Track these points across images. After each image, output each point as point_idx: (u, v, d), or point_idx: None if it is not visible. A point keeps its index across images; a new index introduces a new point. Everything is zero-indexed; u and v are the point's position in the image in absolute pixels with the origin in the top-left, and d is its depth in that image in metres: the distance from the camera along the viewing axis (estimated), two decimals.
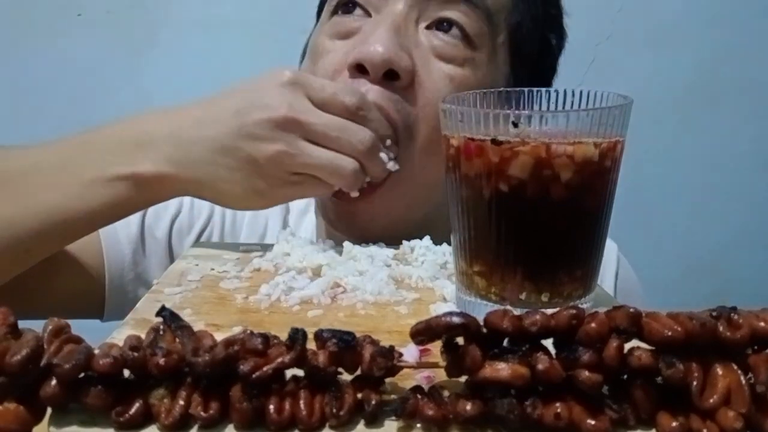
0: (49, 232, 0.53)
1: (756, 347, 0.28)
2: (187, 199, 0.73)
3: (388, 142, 0.55)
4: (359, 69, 0.56)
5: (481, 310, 0.38)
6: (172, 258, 0.70)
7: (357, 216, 0.59)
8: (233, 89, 0.54)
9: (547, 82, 0.70)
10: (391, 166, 0.55)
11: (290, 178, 0.52)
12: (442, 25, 0.58)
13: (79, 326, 0.30)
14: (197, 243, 0.67)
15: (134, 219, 0.68)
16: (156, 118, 0.54)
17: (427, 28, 0.58)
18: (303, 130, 0.51)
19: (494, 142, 0.37)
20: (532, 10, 0.63)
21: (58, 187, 0.52)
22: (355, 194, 0.55)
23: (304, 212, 0.77)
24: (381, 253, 0.52)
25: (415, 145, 0.57)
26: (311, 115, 0.51)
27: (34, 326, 0.28)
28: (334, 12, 0.61)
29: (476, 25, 0.59)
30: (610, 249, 0.78)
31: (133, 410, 0.27)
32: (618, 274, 0.77)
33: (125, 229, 0.68)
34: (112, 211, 0.54)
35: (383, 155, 0.54)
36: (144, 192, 0.53)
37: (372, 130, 0.53)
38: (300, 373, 0.29)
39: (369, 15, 0.59)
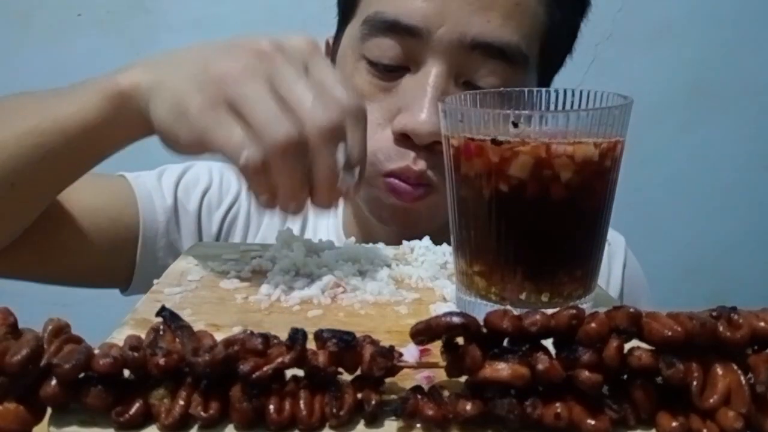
0: (30, 158, 0.50)
1: (756, 347, 0.28)
2: (216, 175, 0.75)
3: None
4: (405, 136, 0.59)
5: (481, 310, 0.38)
6: (200, 231, 0.73)
7: (410, 214, 0.62)
8: None
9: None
10: (347, 179, 0.44)
11: (220, 106, 0.42)
12: (479, 88, 0.59)
13: (79, 326, 0.30)
14: (197, 243, 0.67)
15: (168, 191, 0.71)
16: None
17: (465, 83, 0.60)
18: (272, 68, 0.43)
19: (494, 142, 0.37)
20: (563, 26, 0.64)
21: (37, 111, 0.51)
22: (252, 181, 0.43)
23: None
24: (381, 253, 0.52)
25: None
26: (292, 65, 0.44)
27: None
28: (372, 32, 0.60)
29: (513, 78, 0.60)
30: (618, 242, 0.81)
31: (133, 410, 0.27)
32: (626, 265, 0.80)
33: (160, 199, 0.70)
34: (87, 131, 0.49)
35: (341, 155, 0.43)
36: (117, 106, 0.48)
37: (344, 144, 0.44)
38: (300, 373, 0.29)
39: (408, 49, 0.59)
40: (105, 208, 0.67)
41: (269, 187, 0.43)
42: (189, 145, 0.45)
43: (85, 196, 0.64)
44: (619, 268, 0.79)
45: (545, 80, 0.69)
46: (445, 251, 0.52)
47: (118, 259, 0.69)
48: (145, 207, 0.69)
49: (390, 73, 0.61)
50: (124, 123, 0.49)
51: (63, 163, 0.52)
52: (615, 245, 0.80)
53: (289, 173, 0.42)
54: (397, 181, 0.61)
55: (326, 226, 0.76)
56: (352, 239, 0.56)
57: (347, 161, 0.43)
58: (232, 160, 0.42)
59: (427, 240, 0.54)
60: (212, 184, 0.74)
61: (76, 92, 0.50)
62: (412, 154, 0.60)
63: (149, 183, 0.71)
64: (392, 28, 0.59)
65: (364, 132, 0.45)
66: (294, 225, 0.74)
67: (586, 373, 0.27)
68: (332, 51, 0.69)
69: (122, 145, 0.52)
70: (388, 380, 0.30)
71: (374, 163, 0.61)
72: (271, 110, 0.41)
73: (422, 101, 0.58)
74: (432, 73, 0.59)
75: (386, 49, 0.60)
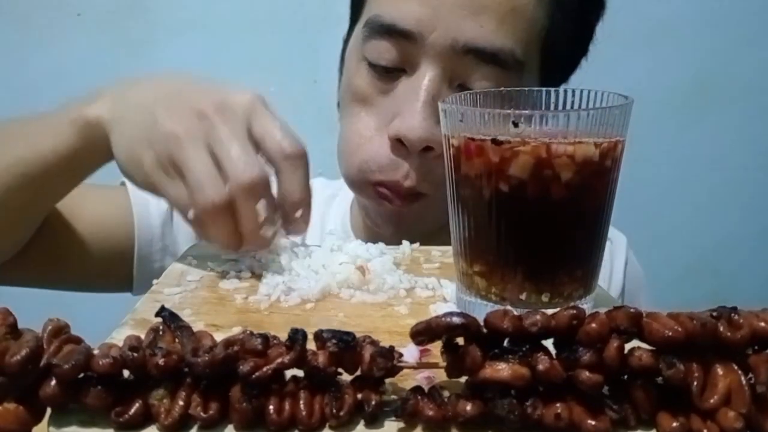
0: (18, 185, 0.56)
1: (756, 347, 0.28)
2: None
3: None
4: (399, 142, 0.60)
5: (481, 310, 0.38)
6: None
7: (402, 219, 0.64)
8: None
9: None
10: (267, 231, 0.48)
11: (167, 165, 0.47)
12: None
13: (78, 326, 0.30)
14: (196, 243, 0.67)
15: None
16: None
17: (459, 87, 0.60)
18: (210, 129, 0.47)
19: (494, 142, 0.37)
20: (568, 29, 0.64)
21: (21, 141, 0.57)
22: (193, 225, 0.49)
23: (332, 197, 0.81)
24: (382, 253, 0.51)
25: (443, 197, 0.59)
26: (230, 121, 0.47)
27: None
28: (371, 34, 0.62)
29: (507, 84, 0.60)
30: (620, 240, 0.83)
31: (132, 410, 0.27)
32: (627, 263, 0.81)
33: (156, 203, 0.73)
34: (62, 159, 0.55)
35: (261, 208, 0.47)
36: (86, 136, 0.54)
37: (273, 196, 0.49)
38: (300, 373, 0.29)
39: (404, 52, 0.60)
40: (102, 217, 0.70)
41: (210, 235, 0.48)
42: (144, 188, 0.52)
43: (84, 206, 0.68)
44: (621, 266, 0.80)
45: (552, 83, 0.68)
46: (446, 252, 0.52)
47: (118, 265, 0.72)
48: (140, 212, 0.72)
49: (388, 74, 0.62)
50: (92, 150, 0.54)
51: (46, 188, 0.58)
52: (617, 243, 0.81)
53: (220, 227, 0.47)
54: (386, 190, 0.62)
55: (334, 220, 0.78)
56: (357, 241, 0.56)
57: (285, 206, 0.49)
58: (179, 213, 0.49)
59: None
60: None
61: (53, 122, 0.56)
62: (405, 166, 0.61)
63: None
64: (389, 31, 0.60)
65: (304, 174, 0.49)
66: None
67: (587, 373, 0.27)
68: (343, 48, 0.70)
69: (94, 169, 0.58)
70: (388, 381, 0.30)
71: (365, 171, 0.62)
72: (203, 173, 0.46)
73: (415, 105, 0.59)
74: (426, 76, 0.59)
75: (384, 51, 0.61)
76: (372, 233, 0.68)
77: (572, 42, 0.67)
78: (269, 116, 0.49)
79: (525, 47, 0.60)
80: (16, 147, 0.56)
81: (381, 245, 0.54)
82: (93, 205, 0.70)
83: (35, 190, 0.57)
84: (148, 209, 0.72)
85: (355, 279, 0.45)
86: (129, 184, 0.72)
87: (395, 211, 0.63)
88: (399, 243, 0.55)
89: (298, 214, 0.49)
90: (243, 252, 0.50)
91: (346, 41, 0.70)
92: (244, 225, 0.47)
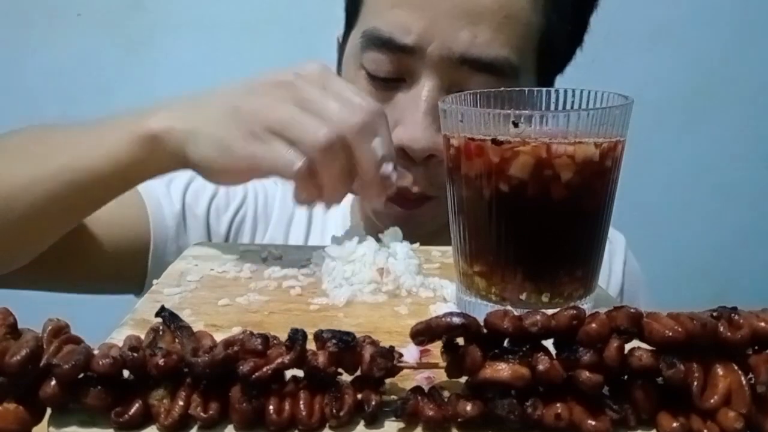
0: (62, 193, 0.54)
1: (756, 347, 0.28)
2: None
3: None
4: (402, 150, 0.60)
5: (481, 310, 0.38)
6: (209, 235, 0.76)
7: (411, 221, 0.64)
8: None
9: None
10: (387, 168, 0.49)
11: (261, 133, 0.48)
12: None
13: (78, 326, 0.30)
14: (196, 243, 0.67)
15: (176, 197, 0.74)
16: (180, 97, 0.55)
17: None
18: (297, 92, 0.48)
19: (494, 142, 0.37)
20: (563, 27, 0.65)
21: (68, 149, 0.55)
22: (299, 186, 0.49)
23: None
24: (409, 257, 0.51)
25: None
26: (312, 83, 0.49)
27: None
28: (368, 46, 0.62)
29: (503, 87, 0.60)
30: (619, 240, 0.83)
31: (132, 411, 0.27)
32: (626, 263, 0.82)
33: (169, 206, 0.73)
34: (117, 170, 0.53)
35: (378, 147, 0.48)
36: (150, 148, 0.52)
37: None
38: (300, 373, 0.29)
39: (402, 64, 0.61)
40: (117, 218, 0.70)
41: (316, 188, 0.48)
42: (237, 173, 0.51)
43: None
44: (619, 265, 0.81)
45: (549, 78, 0.69)
46: (446, 251, 0.52)
47: (132, 266, 0.72)
48: (154, 213, 0.72)
49: (387, 84, 0.62)
50: (154, 162, 0.53)
51: (92, 196, 0.57)
52: (615, 243, 0.81)
53: (333, 170, 0.47)
54: (395, 196, 0.62)
55: (334, 220, 0.78)
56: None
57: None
58: (283, 174, 0.47)
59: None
60: (219, 188, 0.77)
61: (104, 132, 0.54)
62: (410, 176, 0.62)
63: (158, 190, 0.73)
64: (387, 44, 0.60)
65: (387, 131, 0.50)
66: (301, 220, 0.78)
67: (587, 373, 0.27)
68: (339, 50, 0.71)
69: (143, 180, 0.58)
70: (388, 381, 0.30)
71: None
72: (306, 121, 0.46)
73: (416, 115, 0.60)
74: (425, 87, 0.60)
75: (382, 63, 0.61)
76: (372, 233, 0.68)
77: (568, 38, 0.68)
78: (342, 80, 0.51)
79: (520, 53, 0.61)
80: (63, 155, 0.55)
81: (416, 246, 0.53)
82: (108, 206, 0.70)
83: (80, 198, 0.56)
84: (161, 210, 0.73)
85: (373, 278, 0.45)
86: (142, 188, 0.72)
87: (403, 214, 0.64)
88: None
89: (388, 169, 0.49)
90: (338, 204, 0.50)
91: (342, 44, 0.70)
92: (364, 163, 0.47)
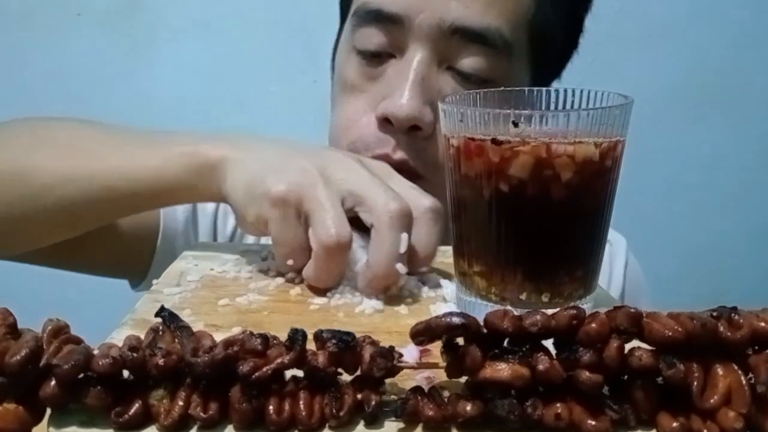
0: (97, 196, 0.53)
1: (756, 347, 0.28)
2: None
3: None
4: (387, 120, 0.60)
5: (481, 310, 0.38)
6: (215, 233, 0.77)
7: None
8: None
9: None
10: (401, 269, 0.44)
11: (291, 207, 0.45)
12: (462, 73, 0.60)
13: (78, 326, 0.30)
14: (196, 243, 0.67)
15: None
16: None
17: (448, 69, 0.61)
18: (346, 174, 0.47)
19: (494, 142, 0.37)
20: (557, 17, 0.64)
21: (112, 154, 0.54)
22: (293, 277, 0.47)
23: None
24: None
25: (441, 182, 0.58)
26: (371, 171, 0.48)
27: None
28: (359, 23, 0.62)
29: (496, 65, 0.60)
30: (620, 242, 0.83)
31: (132, 411, 0.27)
32: (627, 266, 0.82)
33: None
34: (160, 187, 0.52)
35: (405, 239, 0.44)
36: (202, 174, 0.50)
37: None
38: (300, 373, 0.29)
39: (392, 37, 0.60)
40: None
41: (322, 272, 0.45)
42: (255, 224, 0.47)
43: None
44: (620, 268, 0.81)
45: (544, 75, 0.69)
46: (446, 251, 0.52)
47: (138, 254, 0.72)
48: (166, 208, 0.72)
49: (376, 59, 0.62)
50: (200, 190, 0.51)
51: (125, 204, 0.55)
52: (617, 245, 0.81)
53: (338, 266, 0.44)
54: None
55: None
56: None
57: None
58: (283, 254, 0.46)
59: None
60: None
61: (157, 148, 0.52)
62: (392, 142, 0.61)
63: None
64: (376, 16, 0.60)
65: (440, 230, 0.47)
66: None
67: (587, 373, 0.27)
68: (334, 48, 0.71)
69: (186, 202, 0.59)
70: (388, 381, 0.30)
71: (354, 151, 0.62)
72: (333, 211, 0.43)
73: (403, 85, 0.59)
74: (414, 58, 0.60)
75: (371, 36, 0.61)
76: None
77: (561, 30, 0.67)
78: (405, 180, 0.50)
79: (512, 28, 0.60)
80: (105, 158, 0.54)
81: None
82: None
83: (114, 203, 0.54)
84: (174, 207, 0.73)
85: None
86: None
87: None
88: None
89: (424, 269, 0.48)
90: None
91: (337, 41, 0.71)
92: (381, 256, 0.43)
